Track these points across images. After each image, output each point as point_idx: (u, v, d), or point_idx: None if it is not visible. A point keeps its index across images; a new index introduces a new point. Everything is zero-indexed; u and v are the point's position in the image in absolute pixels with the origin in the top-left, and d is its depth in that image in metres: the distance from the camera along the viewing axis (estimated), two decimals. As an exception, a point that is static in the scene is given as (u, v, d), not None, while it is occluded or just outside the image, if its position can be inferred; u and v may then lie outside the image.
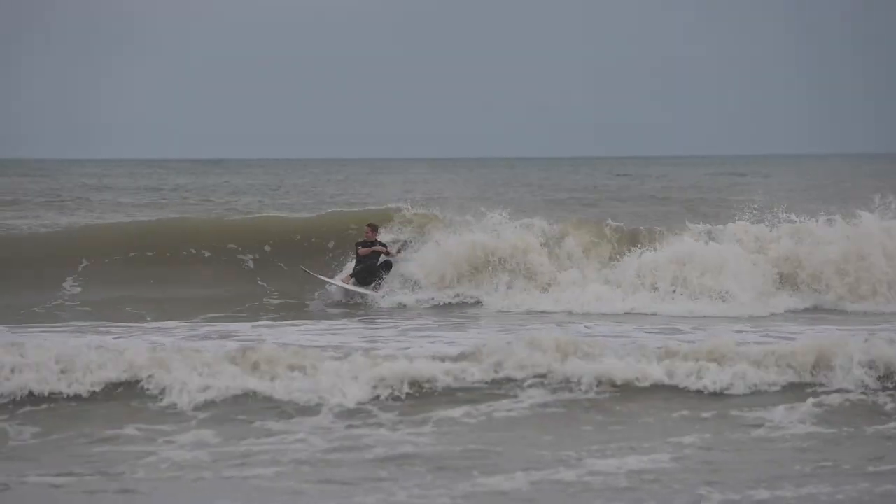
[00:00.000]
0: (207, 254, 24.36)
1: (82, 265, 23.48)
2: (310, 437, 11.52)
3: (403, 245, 23.18)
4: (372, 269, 22.38)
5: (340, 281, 22.47)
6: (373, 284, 22.37)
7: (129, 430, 11.77)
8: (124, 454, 11.03)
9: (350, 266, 22.73)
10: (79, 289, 22.80)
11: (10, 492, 9.96)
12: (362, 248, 22.50)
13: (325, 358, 13.33)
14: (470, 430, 11.83)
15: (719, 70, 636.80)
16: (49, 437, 11.69)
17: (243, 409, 12.44)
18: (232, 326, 19.15)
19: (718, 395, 13.06)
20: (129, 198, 49.60)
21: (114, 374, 13.06)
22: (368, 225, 22.86)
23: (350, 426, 11.91)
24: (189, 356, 13.27)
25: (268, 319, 20.50)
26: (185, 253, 24.39)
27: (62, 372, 12.98)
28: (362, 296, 22.17)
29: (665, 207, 42.33)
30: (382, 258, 22.62)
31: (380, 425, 11.94)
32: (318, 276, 22.53)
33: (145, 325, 19.57)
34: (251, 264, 24.27)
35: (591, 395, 12.92)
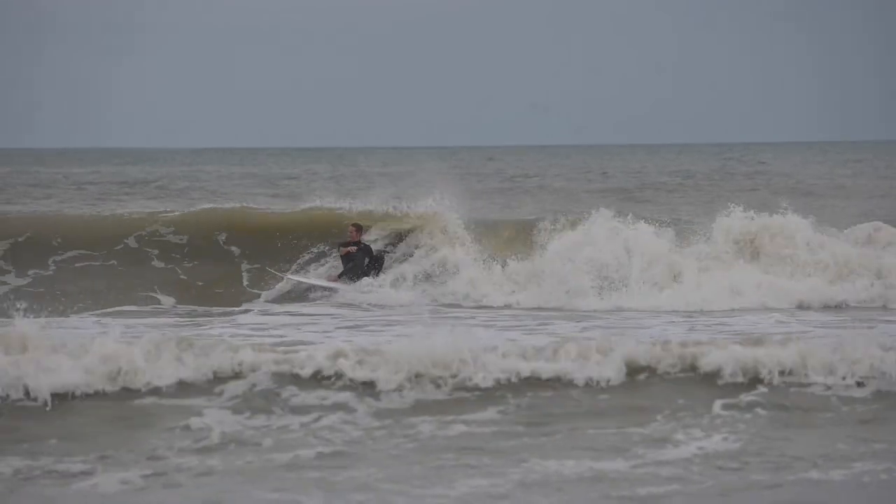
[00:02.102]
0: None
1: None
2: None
3: (383, 252, 21.97)
4: (361, 267, 21.20)
5: (325, 280, 21.39)
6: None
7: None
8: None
9: (322, 270, 21.98)
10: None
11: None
12: (343, 247, 21.51)
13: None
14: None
15: (731, 60, 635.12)
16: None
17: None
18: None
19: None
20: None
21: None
22: (353, 224, 21.61)
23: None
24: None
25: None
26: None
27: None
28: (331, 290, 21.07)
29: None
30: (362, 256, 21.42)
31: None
32: (289, 277, 21.56)
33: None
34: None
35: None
